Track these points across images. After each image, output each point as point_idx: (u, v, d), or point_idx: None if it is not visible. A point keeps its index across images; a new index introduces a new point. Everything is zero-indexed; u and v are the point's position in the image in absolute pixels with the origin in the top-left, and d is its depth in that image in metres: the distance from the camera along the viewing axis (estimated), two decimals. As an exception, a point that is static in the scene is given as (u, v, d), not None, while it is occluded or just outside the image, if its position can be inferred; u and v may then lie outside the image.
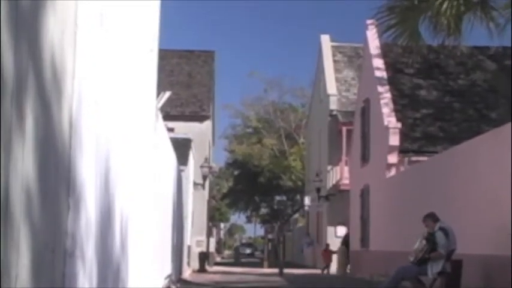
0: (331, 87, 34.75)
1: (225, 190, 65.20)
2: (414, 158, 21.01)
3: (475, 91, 23.43)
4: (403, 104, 23.05)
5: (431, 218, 12.48)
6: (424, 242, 12.15)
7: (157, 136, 10.83)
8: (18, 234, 3.22)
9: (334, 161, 33.59)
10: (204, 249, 30.79)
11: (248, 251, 72.49)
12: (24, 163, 3.29)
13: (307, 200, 38.76)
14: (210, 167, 33.10)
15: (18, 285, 3.23)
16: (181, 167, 19.68)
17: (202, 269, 27.26)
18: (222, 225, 75.43)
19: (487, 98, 23.02)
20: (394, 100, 22.90)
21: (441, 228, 12.16)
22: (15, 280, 3.18)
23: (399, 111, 22.57)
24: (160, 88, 11.43)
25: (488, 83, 23.52)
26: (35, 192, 3.51)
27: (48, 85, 3.76)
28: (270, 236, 43.93)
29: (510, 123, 12.63)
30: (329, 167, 34.09)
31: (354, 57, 35.90)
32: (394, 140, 21.65)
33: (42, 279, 3.70)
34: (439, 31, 15.89)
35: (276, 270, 27.95)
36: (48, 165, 3.80)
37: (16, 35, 3.10)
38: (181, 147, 22.58)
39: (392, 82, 23.56)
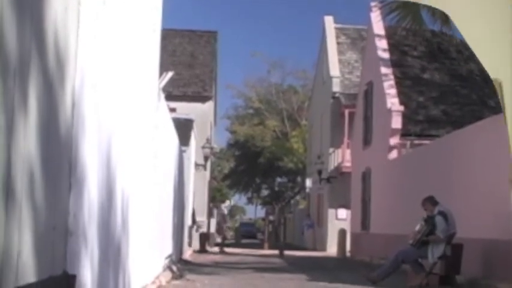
0: (334, 69, 34.65)
1: (226, 171, 65.10)
2: (416, 141, 20.98)
3: (475, 78, 23.32)
4: (407, 86, 22.97)
5: (430, 201, 12.50)
6: (422, 223, 12.18)
7: (159, 116, 10.82)
8: (20, 212, 3.23)
9: (336, 143, 33.56)
10: (204, 230, 30.85)
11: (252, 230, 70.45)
12: (27, 142, 3.29)
13: (308, 182, 38.75)
14: (211, 148, 33.04)
15: (20, 262, 3.25)
16: (183, 148, 19.66)
17: (202, 250, 27.34)
18: (223, 206, 75.40)
19: (485, 87, 22.89)
20: (398, 83, 22.83)
21: (440, 212, 12.17)
22: (17, 257, 3.20)
23: (402, 94, 22.51)
24: (163, 68, 11.42)
25: (483, 73, 23.35)
26: (37, 170, 3.51)
27: (51, 64, 3.75)
28: (270, 218, 43.86)
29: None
30: (331, 149, 34.08)
31: (358, 40, 35.77)
32: (397, 122, 21.61)
33: (43, 256, 3.71)
34: (437, 17, 15.81)
35: (276, 252, 28.02)
36: (51, 144, 3.80)
37: (19, 13, 3.09)
38: (183, 128, 22.53)
39: (396, 65, 23.49)
